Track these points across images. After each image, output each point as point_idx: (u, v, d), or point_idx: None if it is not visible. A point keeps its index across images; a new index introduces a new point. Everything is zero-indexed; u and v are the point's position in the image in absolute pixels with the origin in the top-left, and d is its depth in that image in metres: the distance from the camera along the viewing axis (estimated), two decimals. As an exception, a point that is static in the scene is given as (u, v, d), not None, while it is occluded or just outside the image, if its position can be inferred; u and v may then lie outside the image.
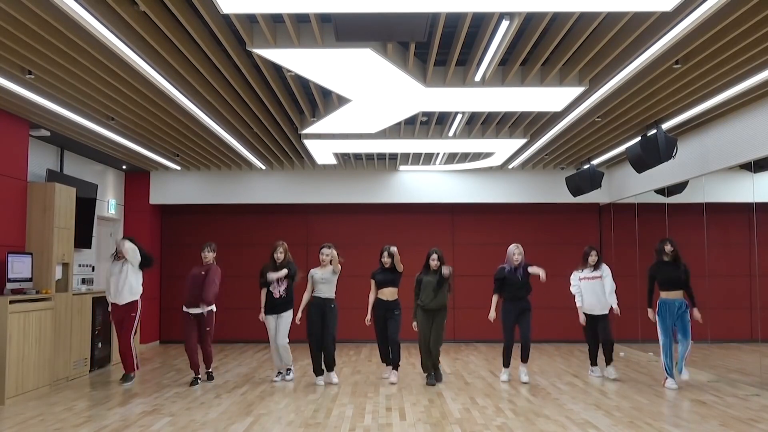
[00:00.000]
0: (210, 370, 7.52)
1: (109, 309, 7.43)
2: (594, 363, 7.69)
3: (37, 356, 6.67)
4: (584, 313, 7.51)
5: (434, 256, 7.21)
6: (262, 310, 7.29)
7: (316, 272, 7.21)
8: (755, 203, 7.32)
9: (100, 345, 8.21)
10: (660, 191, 8.98)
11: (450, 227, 11.40)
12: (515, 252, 7.28)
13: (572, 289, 7.61)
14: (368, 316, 7.47)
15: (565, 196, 10.47)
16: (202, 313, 7.24)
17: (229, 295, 10.66)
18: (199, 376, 7.27)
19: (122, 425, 5.31)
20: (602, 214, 11.27)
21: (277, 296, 7.21)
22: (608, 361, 7.48)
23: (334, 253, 7.22)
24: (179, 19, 4.64)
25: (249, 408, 5.96)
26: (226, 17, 4.81)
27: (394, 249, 7.35)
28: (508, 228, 11.24)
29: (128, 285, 7.23)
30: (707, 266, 8.02)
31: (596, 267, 7.49)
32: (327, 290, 7.13)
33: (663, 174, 8.59)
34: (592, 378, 7.54)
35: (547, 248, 11.17)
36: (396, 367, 7.37)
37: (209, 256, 7.37)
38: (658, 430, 5.12)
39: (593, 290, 7.43)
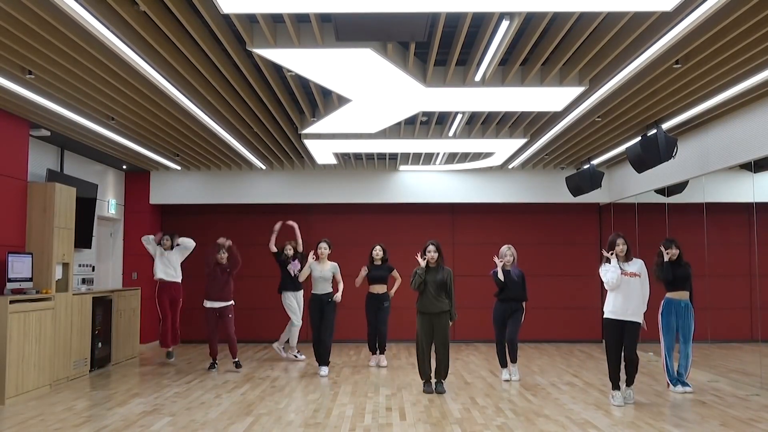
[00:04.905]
0: (237, 359, 8.26)
1: (157, 289, 8.67)
2: (617, 386, 6.05)
3: (37, 356, 6.67)
4: (609, 318, 6.07)
5: (431, 247, 6.67)
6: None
7: (315, 267, 7.72)
8: (755, 203, 7.32)
9: (100, 345, 8.20)
10: (660, 191, 8.97)
11: (450, 227, 11.40)
12: (507, 253, 7.44)
13: (609, 277, 6.02)
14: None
15: (565, 196, 10.47)
16: (224, 306, 8.16)
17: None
18: (216, 362, 8.21)
19: (122, 425, 5.31)
20: (602, 214, 11.27)
21: (293, 275, 8.61)
22: (630, 382, 6.11)
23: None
24: (179, 19, 4.64)
25: (249, 408, 5.97)
26: (226, 17, 4.81)
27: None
28: (508, 228, 11.24)
29: (180, 268, 8.83)
30: (707, 266, 8.01)
31: (627, 259, 6.11)
32: (324, 286, 7.73)
33: (663, 174, 8.58)
34: (614, 405, 5.97)
35: (547, 248, 11.19)
36: (383, 351, 8.47)
37: (225, 257, 8.30)
38: (659, 430, 5.13)
39: (627, 290, 5.98)
